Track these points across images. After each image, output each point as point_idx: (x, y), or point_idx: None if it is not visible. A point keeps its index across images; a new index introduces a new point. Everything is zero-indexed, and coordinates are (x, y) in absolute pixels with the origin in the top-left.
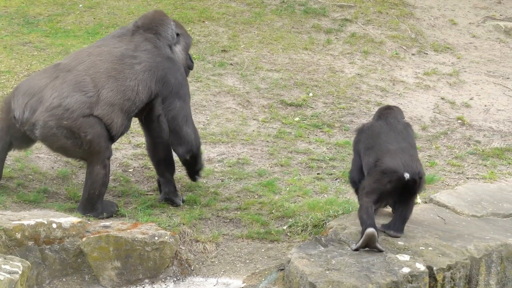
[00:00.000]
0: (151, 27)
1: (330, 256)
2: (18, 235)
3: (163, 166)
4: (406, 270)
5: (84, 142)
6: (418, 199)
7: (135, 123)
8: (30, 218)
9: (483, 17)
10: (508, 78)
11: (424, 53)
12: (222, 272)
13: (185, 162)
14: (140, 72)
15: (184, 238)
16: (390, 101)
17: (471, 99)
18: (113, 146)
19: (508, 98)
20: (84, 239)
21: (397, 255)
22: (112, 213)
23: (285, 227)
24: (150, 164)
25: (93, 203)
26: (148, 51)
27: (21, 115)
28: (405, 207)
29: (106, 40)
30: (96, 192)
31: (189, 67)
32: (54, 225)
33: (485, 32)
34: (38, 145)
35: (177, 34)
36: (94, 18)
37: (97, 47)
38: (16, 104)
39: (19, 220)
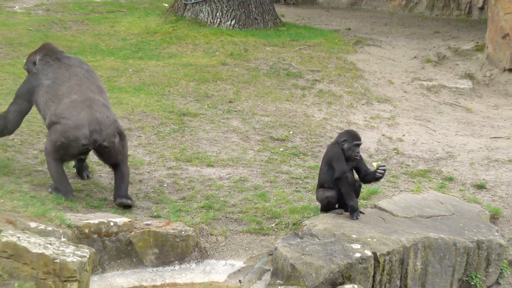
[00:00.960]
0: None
1: (304, 245)
2: (86, 230)
3: None
4: (358, 255)
5: (125, 143)
6: None
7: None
8: (95, 218)
9: (412, 78)
10: (429, 121)
11: (370, 103)
12: (229, 256)
13: None
14: None
15: (202, 232)
16: None
17: (403, 135)
18: (152, 168)
19: (429, 135)
20: (132, 233)
21: (351, 245)
22: None
23: (273, 225)
24: (179, 180)
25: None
26: None
27: (91, 139)
28: None
29: (69, 68)
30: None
31: (28, 71)
32: (111, 223)
33: (413, 88)
34: (99, 167)
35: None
36: (139, 79)
37: (75, 75)
38: (81, 135)
39: (87, 220)
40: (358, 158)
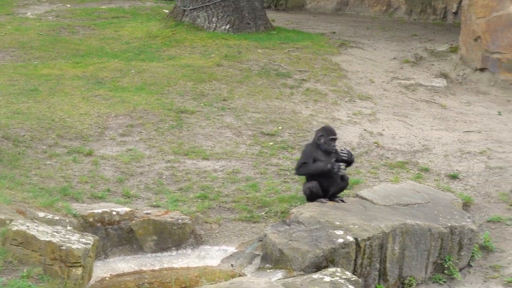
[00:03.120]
0: None
1: (292, 232)
2: (91, 219)
3: None
4: (340, 240)
5: None
6: None
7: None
8: (99, 208)
9: (391, 78)
10: (407, 117)
11: (353, 101)
12: (222, 242)
13: None
14: None
15: (198, 220)
16: None
17: (383, 130)
18: (152, 161)
19: (407, 130)
20: (133, 221)
21: (335, 231)
22: None
23: (263, 213)
24: (176, 172)
25: None
26: None
27: None
28: None
29: None
30: None
31: None
32: (114, 213)
33: (392, 87)
34: (103, 161)
35: None
36: (141, 79)
37: None
38: None
39: (91, 209)
40: (334, 151)
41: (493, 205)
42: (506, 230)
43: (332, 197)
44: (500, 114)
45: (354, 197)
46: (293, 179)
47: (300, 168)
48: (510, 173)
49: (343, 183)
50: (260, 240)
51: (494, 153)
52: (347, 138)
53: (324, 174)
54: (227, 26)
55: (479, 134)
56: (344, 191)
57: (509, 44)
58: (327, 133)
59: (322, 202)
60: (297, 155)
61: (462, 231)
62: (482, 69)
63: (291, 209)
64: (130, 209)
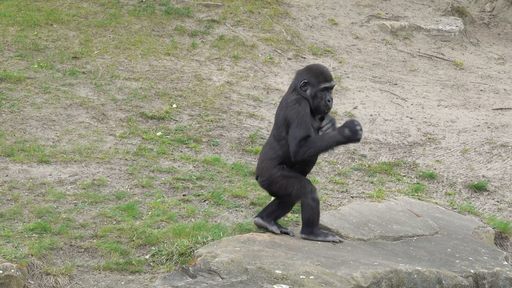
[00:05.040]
0: None
1: None
2: None
3: None
4: None
5: None
6: None
7: None
8: None
9: (367, 16)
10: (395, 84)
11: (302, 57)
12: None
13: None
14: None
15: (33, 271)
16: (264, 112)
17: (355, 108)
18: None
19: (396, 107)
20: None
21: (274, 286)
22: None
23: (147, 256)
24: None
25: None
26: None
27: None
28: None
29: None
30: None
31: None
32: None
33: (369, 32)
34: None
35: None
36: None
37: None
38: None
39: None
40: (331, 108)
41: None
42: None
43: None
44: None
45: None
46: (200, 195)
47: (303, 148)
48: None
49: None
50: None
51: None
52: None
53: None
54: None
55: None
56: (289, 215)
57: None
58: (318, 78)
59: (273, 231)
60: (206, 153)
61: (495, 282)
62: None
63: (196, 248)
64: None
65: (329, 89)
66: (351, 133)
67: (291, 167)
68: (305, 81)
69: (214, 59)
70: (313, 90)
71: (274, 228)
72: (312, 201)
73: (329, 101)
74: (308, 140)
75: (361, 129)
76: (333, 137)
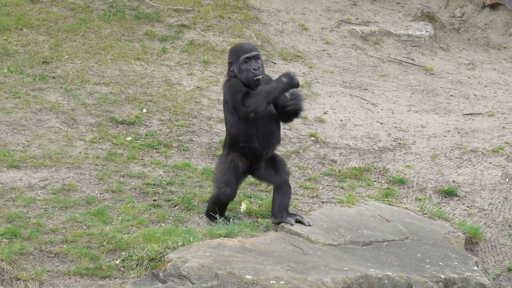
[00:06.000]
0: None
1: None
2: None
3: None
4: None
5: None
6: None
7: None
8: None
9: (337, 21)
10: (365, 89)
11: (272, 62)
12: None
13: None
14: None
15: (3, 276)
16: None
17: (325, 113)
18: None
19: (366, 112)
20: None
21: None
22: None
23: (118, 262)
24: None
25: None
26: None
27: None
28: None
29: None
30: None
31: None
32: None
33: (339, 38)
34: None
35: None
36: None
37: None
38: None
39: None
40: (259, 77)
41: None
42: None
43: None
44: None
45: (277, 231)
46: (170, 200)
47: (247, 100)
48: None
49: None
50: None
51: None
52: None
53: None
54: None
55: (490, 119)
56: (260, 220)
57: None
58: (237, 53)
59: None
60: (176, 158)
61: (465, 287)
62: (493, 6)
63: (166, 253)
64: None
65: (251, 58)
66: (288, 79)
67: (238, 149)
68: (229, 61)
69: (184, 64)
70: (237, 66)
71: (288, 220)
72: (217, 190)
73: (254, 69)
74: (249, 94)
75: (295, 76)
76: (273, 86)
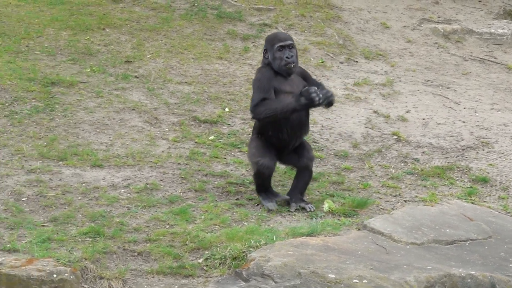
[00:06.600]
0: None
1: None
2: None
3: None
4: None
5: None
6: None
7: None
8: None
9: (419, 20)
10: (448, 88)
11: (354, 60)
12: None
13: None
14: None
15: (86, 275)
16: (316, 116)
17: (407, 112)
18: (2, 171)
19: (449, 110)
20: None
21: None
22: None
23: (200, 260)
24: (46, 191)
25: None
26: None
27: None
28: None
29: None
30: None
31: None
32: None
33: (421, 36)
34: None
35: None
36: None
37: None
38: None
39: None
40: (292, 65)
41: None
42: None
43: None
44: None
45: (360, 229)
46: (252, 199)
47: (259, 108)
48: None
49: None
50: None
51: None
52: (344, 127)
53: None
54: None
55: None
56: (342, 219)
57: None
58: (272, 41)
59: (269, 208)
60: None
61: None
62: None
63: (249, 252)
64: None
65: (285, 47)
66: (307, 101)
67: (267, 137)
68: (264, 48)
69: None
70: (271, 53)
71: (291, 206)
72: (255, 165)
73: (288, 57)
74: (264, 102)
75: (317, 96)
76: (289, 103)
